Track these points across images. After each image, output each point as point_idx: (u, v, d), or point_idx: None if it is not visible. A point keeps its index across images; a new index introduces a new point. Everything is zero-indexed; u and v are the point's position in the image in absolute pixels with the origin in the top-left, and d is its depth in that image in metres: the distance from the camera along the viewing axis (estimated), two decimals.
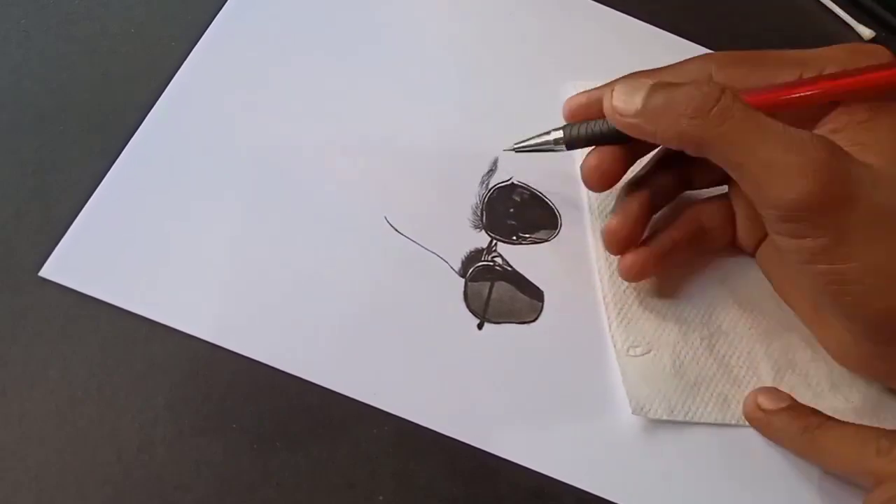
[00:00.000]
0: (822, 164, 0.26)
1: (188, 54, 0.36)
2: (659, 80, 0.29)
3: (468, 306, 0.32)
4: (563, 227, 0.35)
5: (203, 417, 0.28)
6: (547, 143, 0.32)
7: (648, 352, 0.32)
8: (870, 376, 0.32)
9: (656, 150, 0.34)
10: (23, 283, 0.29)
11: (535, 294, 0.33)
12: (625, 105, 0.29)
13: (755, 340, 0.34)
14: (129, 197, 0.32)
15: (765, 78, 0.30)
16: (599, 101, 0.30)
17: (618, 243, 0.32)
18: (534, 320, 0.32)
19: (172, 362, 0.29)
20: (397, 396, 0.30)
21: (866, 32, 0.45)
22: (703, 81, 0.29)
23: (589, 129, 0.31)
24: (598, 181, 0.32)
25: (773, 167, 0.26)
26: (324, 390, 0.29)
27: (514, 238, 0.34)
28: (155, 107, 0.34)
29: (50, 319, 0.29)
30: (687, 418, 0.31)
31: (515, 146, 0.33)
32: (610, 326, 0.33)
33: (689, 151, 0.28)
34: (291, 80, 0.36)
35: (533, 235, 0.34)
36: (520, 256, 0.34)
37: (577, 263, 0.34)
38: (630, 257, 0.32)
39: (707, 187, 0.35)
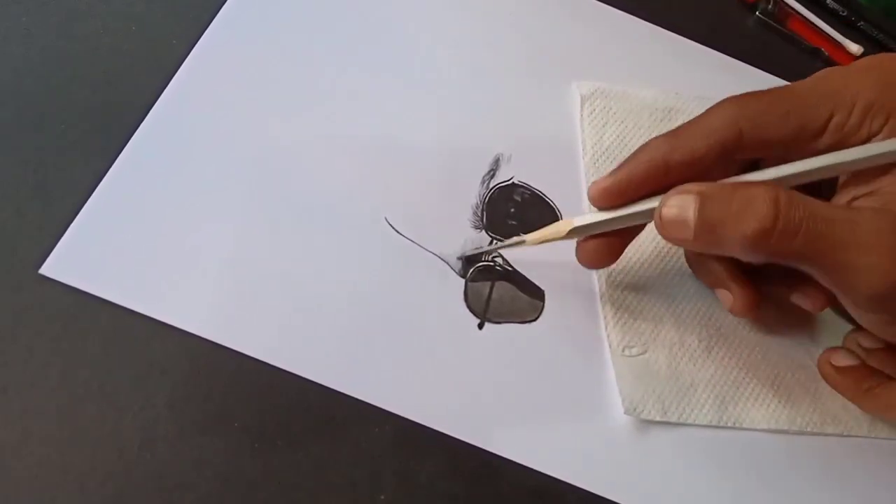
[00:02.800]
0: None
1: (189, 53, 0.36)
2: (703, 191, 0.27)
3: (469, 306, 0.32)
4: None
5: (204, 416, 0.28)
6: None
7: (644, 352, 0.32)
8: None
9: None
10: (23, 281, 0.29)
11: (536, 294, 0.33)
12: (680, 230, 0.27)
13: (754, 344, 0.34)
14: (130, 195, 0.32)
15: (798, 125, 0.29)
16: (626, 186, 0.30)
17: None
18: (534, 320, 0.32)
19: (173, 361, 0.29)
20: (398, 395, 0.30)
21: (854, 48, 0.46)
22: (755, 195, 0.26)
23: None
24: (599, 264, 0.32)
25: (853, 270, 0.26)
26: (325, 389, 0.29)
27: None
28: (156, 105, 0.34)
29: (50, 318, 0.29)
30: (681, 420, 0.31)
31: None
32: (606, 326, 0.33)
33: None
34: (291, 80, 0.36)
35: None
36: (520, 256, 0.34)
37: (577, 263, 0.34)
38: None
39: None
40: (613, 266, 0.33)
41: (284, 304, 0.31)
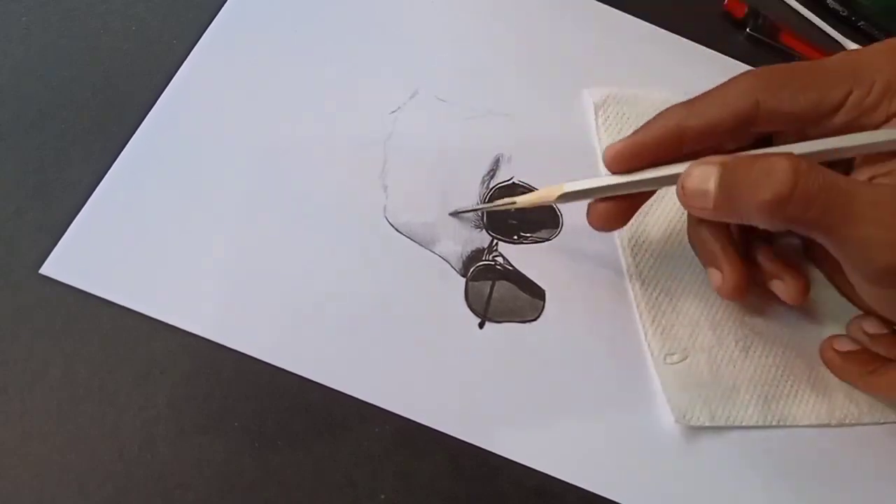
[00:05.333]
0: None
1: (189, 53, 0.36)
2: (726, 162, 0.27)
3: (469, 305, 0.32)
4: (564, 226, 0.35)
5: (204, 416, 0.28)
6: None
7: (685, 358, 0.32)
8: None
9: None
10: (23, 280, 0.29)
11: (537, 293, 0.33)
12: (700, 199, 0.28)
13: (787, 340, 0.34)
14: (130, 195, 0.32)
15: (815, 99, 0.28)
16: (640, 149, 0.30)
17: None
18: (535, 319, 0.32)
19: (173, 360, 0.29)
20: (399, 395, 0.30)
21: (853, 48, 0.46)
22: (775, 163, 0.26)
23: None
24: (607, 226, 0.32)
25: (868, 244, 0.26)
26: (325, 389, 0.29)
27: (516, 237, 0.34)
28: (156, 105, 0.34)
29: (51, 317, 0.29)
30: (728, 423, 0.31)
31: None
32: (645, 335, 0.33)
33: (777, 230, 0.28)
34: (291, 80, 0.36)
35: (534, 235, 0.35)
36: (521, 256, 0.34)
37: (578, 262, 0.34)
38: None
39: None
40: (645, 274, 0.34)
41: (284, 304, 0.31)
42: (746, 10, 0.45)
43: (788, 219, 0.26)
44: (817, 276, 0.36)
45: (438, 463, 0.29)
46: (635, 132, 0.30)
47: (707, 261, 0.33)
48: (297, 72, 0.36)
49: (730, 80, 0.30)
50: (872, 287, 0.28)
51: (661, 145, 0.30)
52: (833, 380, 0.33)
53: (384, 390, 0.29)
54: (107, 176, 0.32)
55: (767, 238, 0.34)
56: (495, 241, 0.34)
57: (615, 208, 0.31)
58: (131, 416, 0.28)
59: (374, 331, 0.31)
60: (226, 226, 0.32)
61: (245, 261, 0.31)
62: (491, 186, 0.35)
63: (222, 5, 0.37)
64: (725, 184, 0.27)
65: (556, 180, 0.36)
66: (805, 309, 0.35)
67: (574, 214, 0.35)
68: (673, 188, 0.29)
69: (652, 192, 0.32)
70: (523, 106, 0.38)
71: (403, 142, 0.36)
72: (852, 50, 0.30)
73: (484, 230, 0.34)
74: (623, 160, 0.30)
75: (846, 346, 0.33)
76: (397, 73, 0.38)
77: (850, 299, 0.34)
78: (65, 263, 0.30)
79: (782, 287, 0.32)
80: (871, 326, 0.33)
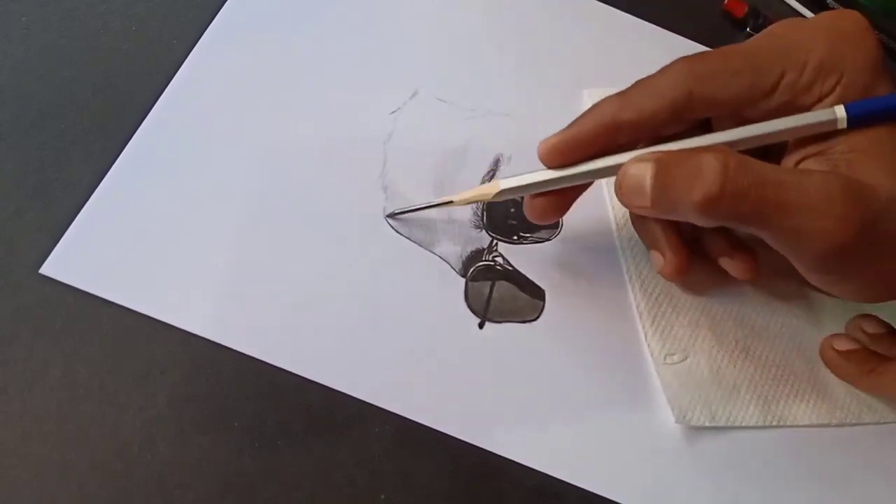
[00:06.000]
0: (850, 221, 0.26)
1: (189, 53, 0.36)
2: (660, 158, 0.27)
3: (469, 306, 0.32)
4: (564, 227, 0.35)
5: (204, 416, 0.28)
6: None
7: (685, 358, 0.32)
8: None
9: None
10: (23, 280, 0.29)
11: (536, 293, 0.33)
12: (638, 198, 0.28)
13: (787, 339, 0.34)
14: (131, 195, 0.32)
15: (748, 84, 0.28)
16: (575, 143, 0.30)
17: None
18: (535, 319, 0.32)
19: (174, 360, 0.29)
20: (399, 395, 0.30)
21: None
22: (704, 162, 0.26)
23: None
24: (544, 219, 0.32)
25: (801, 234, 0.26)
26: (326, 389, 0.29)
27: (515, 238, 0.34)
28: (156, 105, 0.34)
29: (51, 317, 0.29)
30: (728, 423, 0.31)
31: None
32: (646, 336, 0.33)
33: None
34: (291, 80, 0.36)
35: (534, 235, 0.35)
36: (521, 256, 0.34)
37: (578, 262, 0.34)
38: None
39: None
40: (645, 275, 0.34)
41: (285, 304, 0.31)
42: (746, 9, 0.45)
43: (722, 216, 0.26)
44: None
45: (438, 463, 0.29)
46: (569, 125, 0.30)
47: (649, 244, 0.33)
48: (297, 72, 0.36)
49: (662, 69, 0.30)
50: (815, 274, 0.29)
51: (596, 138, 0.29)
52: (833, 380, 0.33)
53: (384, 390, 0.30)
54: (107, 175, 0.32)
55: None
56: (495, 241, 0.34)
57: (552, 202, 0.31)
58: (131, 416, 0.28)
59: (375, 331, 0.31)
60: (226, 226, 0.32)
61: (245, 261, 0.31)
62: None
63: (222, 5, 0.37)
64: (659, 183, 0.27)
65: None
66: (805, 309, 0.35)
67: (574, 214, 0.35)
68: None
69: (589, 184, 0.32)
70: (523, 106, 0.38)
71: (403, 142, 0.36)
72: (787, 23, 0.29)
73: (484, 230, 0.34)
74: (558, 154, 0.30)
75: (845, 345, 0.33)
76: (397, 73, 0.38)
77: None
78: (65, 263, 0.30)
79: (731, 264, 0.33)
80: (871, 326, 0.33)
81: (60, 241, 0.30)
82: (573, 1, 0.43)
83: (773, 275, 0.35)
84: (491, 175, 0.36)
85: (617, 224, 0.36)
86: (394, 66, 0.38)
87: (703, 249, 0.34)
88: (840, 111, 0.27)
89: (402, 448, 0.29)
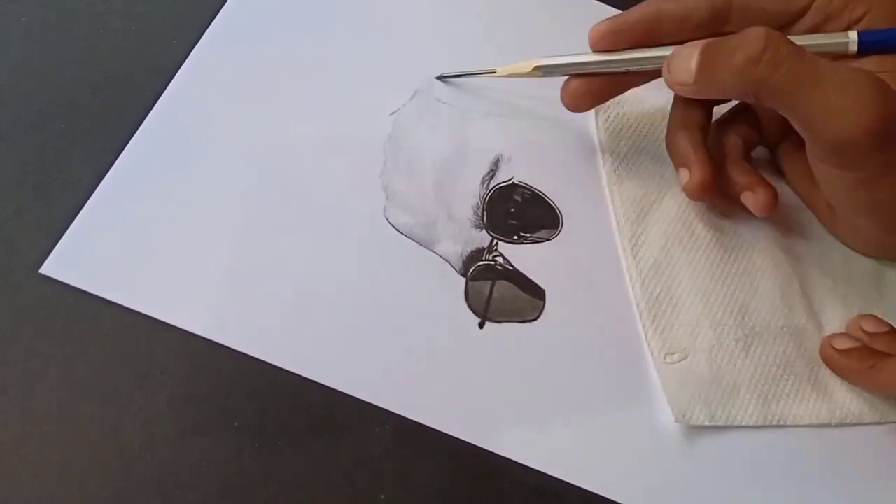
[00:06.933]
0: (876, 106, 0.27)
1: (189, 53, 0.36)
2: (708, 41, 0.30)
3: (469, 305, 0.32)
4: (564, 226, 0.35)
5: (204, 416, 0.28)
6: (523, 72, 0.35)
7: (685, 358, 0.32)
8: (886, 257, 0.36)
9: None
10: (23, 280, 0.29)
11: (537, 293, 0.33)
12: (683, 75, 0.30)
13: (789, 339, 0.34)
14: (131, 195, 0.32)
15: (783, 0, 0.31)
16: (621, 26, 0.32)
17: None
18: (535, 319, 0.32)
19: (174, 360, 0.29)
20: (399, 395, 0.30)
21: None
22: (750, 30, 0.29)
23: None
24: (580, 104, 0.34)
25: (828, 109, 0.27)
26: (326, 389, 0.29)
27: (516, 237, 0.34)
28: (156, 105, 0.34)
29: (51, 317, 0.29)
30: (728, 422, 0.31)
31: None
32: (646, 335, 0.33)
33: (747, 100, 0.30)
34: (291, 80, 0.36)
35: (534, 234, 0.35)
36: (521, 255, 0.34)
37: (578, 262, 0.34)
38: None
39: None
40: (645, 274, 0.34)
41: (284, 304, 0.31)
42: None
43: (757, 81, 0.28)
44: (817, 275, 0.36)
45: (438, 463, 0.29)
46: (619, 14, 0.33)
47: (678, 162, 0.35)
48: (297, 72, 0.36)
49: None
50: (830, 165, 0.30)
51: (641, 26, 0.32)
52: (833, 379, 0.33)
53: (384, 390, 0.29)
54: (107, 175, 0.32)
55: (742, 154, 0.35)
56: (495, 240, 0.34)
57: (589, 87, 0.34)
58: (131, 416, 0.28)
59: (374, 331, 0.31)
60: (226, 226, 0.32)
61: (245, 261, 0.31)
62: (491, 186, 0.35)
63: (222, 5, 0.37)
64: (706, 57, 0.29)
65: (557, 180, 0.36)
66: (805, 309, 0.35)
67: (574, 214, 0.35)
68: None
69: (626, 84, 0.34)
70: (523, 106, 0.38)
71: (403, 142, 0.36)
72: None
73: (484, 230, 0.34)
74: (605, 38, 0.32)
75: (845, 344, 0.33)
76: (397, 74, 0.38)
77: (805, 198, 0.36)
78: (65, 263, 0.30)
79: (752, 198, 0.33)
80: (871, 325, 0.33)
81: (60, 241, 0.30)
82: (573, 1, 0.43)
83: (774, 274, 0.35)
84: (491, 175, 0.36)
85: (617, 224, 0.36)
86: (394, 66, 0.38)
87: (726, 187, 0.35)
88: (853, 36, 0.31)
89: (402, 448, 0.29)
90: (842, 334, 0.34)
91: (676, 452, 0.31)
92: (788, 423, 0.32)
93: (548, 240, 0.35)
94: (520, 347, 0.32)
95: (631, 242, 0.35)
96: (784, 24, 0.32)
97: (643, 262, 0.34)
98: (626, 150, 0.37)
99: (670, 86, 0.31)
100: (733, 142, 0.35)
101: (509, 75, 0.35)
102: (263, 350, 0.29)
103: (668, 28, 0.32)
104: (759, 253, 0.35)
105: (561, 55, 0.34)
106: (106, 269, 0.30)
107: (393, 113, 0.36)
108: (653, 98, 0.38)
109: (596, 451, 0.30)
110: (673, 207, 0.36)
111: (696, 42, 0.30)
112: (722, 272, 0.35)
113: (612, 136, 0.38)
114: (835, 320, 0.35)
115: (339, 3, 0.39)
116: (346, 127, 0.35)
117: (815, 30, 0.31)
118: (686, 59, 0.30)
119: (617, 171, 0.37)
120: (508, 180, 0.36)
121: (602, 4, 0.43)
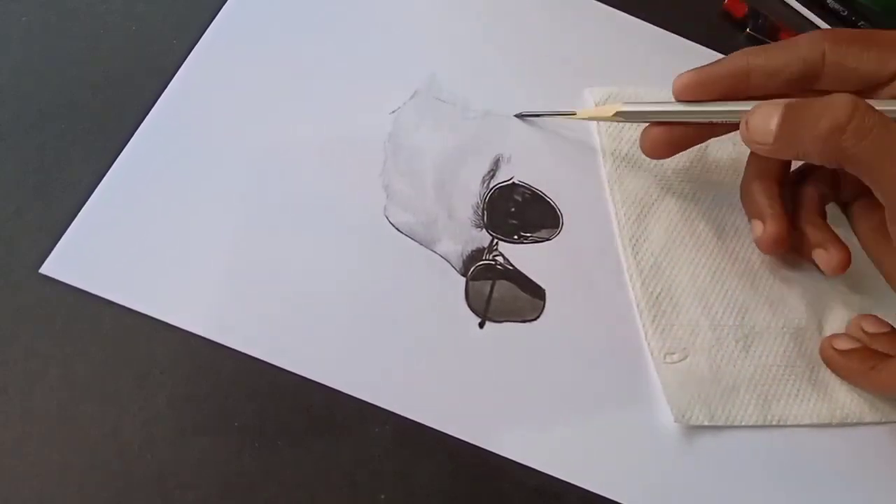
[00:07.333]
0: None
1: (189, 53, 0.36)
2: (791, 101, 0.29)
3: (469, 305, 0.32)
4: (564, 226, 0.35)
5: (204, 416, 0.28)
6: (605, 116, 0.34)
7: (685, 358, 0.32)
8: None
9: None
10: (23, 280, 0.29)
11: (537, 293, 0.33)
12: (762, 135, 0.29)
13: (789, 339, 0.34)
14: (131, 195, 0.32)
15: (878, 59, 0.30)
16: (708, 78, 0.32)
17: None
18: (535, 319, 0.32)
19: (174, 360, 0.29)
20: (399, 395, 0.29)
21: None
22: (836, 98, 0.28)
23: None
24: (654, 153, 0.34)
25: None
26: (326, 389, 0.29)
27: (516, 237, 0.34)
28: (156, 105, 0.34)
29: (50, 317, 0.29)
30: (728, 422, 0.31)
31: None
32: (646, 335, 0.33)
33: (827, 165, 0.29)
34: (291, 80, 0.36)
35: (534, 234, 0.35)
36: (521, 255, 0.34)
37: (578, 262, 0.34)
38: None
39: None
40: (645, 274, 0.34)
41: (285, 304, 0.31)
42: (746, 10, 0.45)
43: (841, 150, 0.27)
44: (818, 275, 0.36)
45: (438, 462, 0.29)
46: (707, 65, 0.32)
47: (752, 213, 0.34)
48: (296, 72, 0.36)
49: (797, 37, 0.31)
50: None
51: (729, 79, 0.31)
52: (833, 379, 0.33)
53: (384, 390, 0.29)
54: (107, 175, 0.32)
55: (819, 212, 0.35)
56: (495, 240, 0.34)
57: (668, 136, 0.33)
58: (131, 416, 0.28)
59: (374, 331, 0.31)
60: (226, 225, 0.32)
61: (245, 260, 0.31)
62: (491, 186, 0.35)
63: (222, 5, 0.37)
64: (788, 119, 0.28)
65: (557, 180, 0.36)
66: (805, 309, 0.35)
67: (574, 214, 0.35)
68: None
69: (707, 134, 0.34)
70: (523, 106, 0.38)
71: (403, 142, 0.36)
72: None
73: (484, 229, 0.34)
74: (691, 88, 0.32)
75: (846, 344, 0.33)
76: (397, 73, 0.38)
77: (878, 264, 0.35)
78: (65, 263, 0.30)
79: (825, 256, 0.33)
80: (871, 325, 0.33)
81: (60, 241, 0.30)
82: (573, 1, 0.43)
83: (775, 274, 0.35)
84: (491, 175, 0.36)
85: (617, 224, 0.36)
86: (393, 66, 0.38)
87: (797, 241, 0.34)
88: None
89: (402, 448, 0.29)
90: (842, 335, 0.34)
91: (676, 452, 0.31)
92: (788, 423, 0.32)
93: (548, 240, 0.35)
94: (520, 347, 0.32)
95: (631, 242, 0.35)
96: (875, 86, 0.31)
97: (643, 261, 0.34)
98: (626, 149, 0.38)
99: (747, 143, 0.31)
100: (809, 196, 0.35)
101: (590, 118, 0.35)
102: (263, 350, 0.29)
103: (756, 82, 0.31)
104: (758, 253, 0.35)
105: (644, 102, 0.33)
106: (106, 269, 0.30)
107: (393, 112, 0.36)
108: (653, 97, 0.38)
109: (596, 451, 0.30)
110: (673, 207, 0.36)
111: (776, 101, 0.29)
112: (722, 272, 0.35)
113: (612, 136, 0.38)
114: (835, 320, 0.35)
115: (339, 3, 0.39)
116: (346, 126, 0.35)
117: None
118: (766, 118, 0.29)
119: (617, 171, 0.37)
120: (509, 180, 0.36)
121: (602, 4, 0.43)
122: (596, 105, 0.38)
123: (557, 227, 0.35)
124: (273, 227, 0.32)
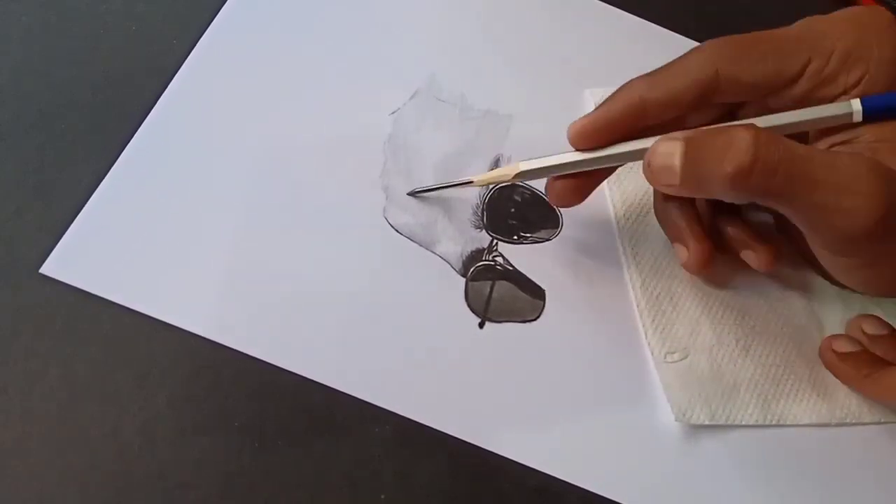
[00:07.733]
0: (876, 206, 0.25)
1: (189, 53, 0.36)
2: (689, 137, 0.27)
3: (469, 305, 0.32)
4: (564, 227, 0.35)
5: (205, 416, 0.28)
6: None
7: (685, 357, 0.32)
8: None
9: None
10: (23, 280, 0.29)
11: (537, 293, 0.33)
12: (667, 177, 0.27)
13: (788, 339, 0.34)
14: (131, 195, 0.32)
15: (774, 68, 0.29)
16: (603, 124, 0.30)
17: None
18: (535, 319, 0.32)
19: (174, 360, 0.29)
20: (399, 395, 0.30)
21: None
22: (735, 136, 0.26)
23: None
24: (565, 203, 0.32)
25: (827, 210, 0.26)
26: (326, 389, 0.29)
27: (516, 237, 0.34)
28: (156, 105, 0.34)
29: (51, 317, 0.29)
30: (728, 421, 0.31)
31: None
32: (646, 334, 0.33)
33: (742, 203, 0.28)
34: (291, 80, 0.36)
35: (534, 235, 0.35)
36: (521, 256, 0.34)
37: (578, 262, 0.34)
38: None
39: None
40: (646, 274, 0.34)
41: (285, 304, 0.31)
42: None
43: (751, 189, 0.26)
44: (816, 276, 0.36)
45: (438, 462, 0.29)
46: (598, 107, 0.30)
47: (674, 237, 0.33)
48: (296, 72, 0.36)
49: (690, 51, 0.30)
50: (834, 256, 0.29)
51: (624, 119, 0.29)
52: (833, 379, 0.33)
53: (384, 390, 0.29)
54: (108, 175, 0.32)
55: (735, 211, 0.34)
56: (495, 241, 0.34)
57: (574, 185, 0.32)
58: (131, 416, 0.28)
59: (375, 331, 0.31)
60: (226, 226, 0.32)
61: (245, 261, 0.31)
62: (491, 187, 0.35)
63: (222, 5, 0.37)
64: (690, 158, 0.27)
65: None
66: (805, 309, 0.35)
67: (574, 214, 0.35)
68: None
69: (613, 169, 0.33)
70: (523, 106, 0.38)
71: (403, 142, 0.36)
72: (814, 18, 0.30)
73: (484, 230, 0.34)
74: (587, 136, 0.30)
75: (845, 347, 0.33)
76: (397, 74, 0.38)
77: (819, 273, 0.35)
78: (65, 263, 0.30)
79: (753, 256, 0.32)
80: (871, 327, 0.33)
81: (60, 241, 0.30)
82: (573, 1, 0.43)
83: (775, 273, 0.35)
84: None
85: (617, 224, 0.36)
86: (394, 66, 0.38)
87: (723, 242, 0.33)
88: (856, 104, 0.28)
89: (402, 448, 0.29)
90: (842, 336, 0.34)
91: (676, 452, 0.31)
92: (788, 422, 0.32)
93: (548, 240, 0.35)
94: (520, 347, 0.32)
95: (631, 242, 0.35)
96: (776, 91, 0.29)
97: (643, 261, 0.34)
98: None
99: (655, 187, 0.29)
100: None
101: (489, 182, 0.33)
102: (263, 350, 0.29)
103: (653, 115, 0.29)
104: None
105: (541, 157, 0.31)
106: (106, 269, 0.30)
107: (393, 113, 0.36)
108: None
109: (596, 451, 0.30)
110: None
111: (674, 135, 0.28)
112: (722, 272, 0.35)
113: None
114: (835, 320, 0.35)
115: (339, 4, 0.39)
116: (346, 127, 0.35)
117: (809, 95, 0.29)
118: (667, 158, 0.27)
119: (617, 171, 0.37)
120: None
121: (602, 4, 0.43)
122: (596, 104, 0.38)
123: (557, 227, 0.35)
124: (273, 227, 0.32)
